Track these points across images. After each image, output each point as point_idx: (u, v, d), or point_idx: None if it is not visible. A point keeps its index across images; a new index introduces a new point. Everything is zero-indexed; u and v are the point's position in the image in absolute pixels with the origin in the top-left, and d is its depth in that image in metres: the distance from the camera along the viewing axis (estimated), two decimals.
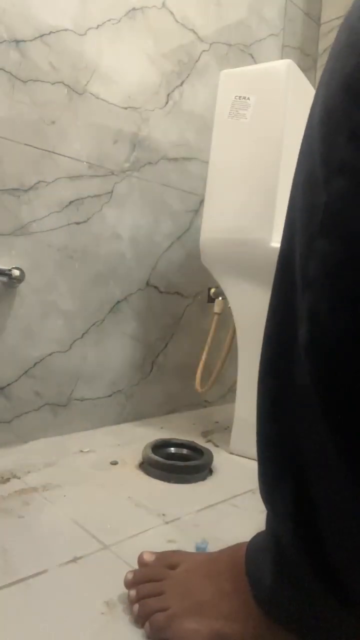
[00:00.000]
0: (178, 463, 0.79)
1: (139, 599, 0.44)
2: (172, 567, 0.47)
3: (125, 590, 0.47)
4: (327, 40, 1.56)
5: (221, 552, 0.47)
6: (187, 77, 1.12)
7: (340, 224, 0.28)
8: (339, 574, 0.33)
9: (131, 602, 0.45)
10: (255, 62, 1.30)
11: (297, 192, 0.34)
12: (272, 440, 0.37)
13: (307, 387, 0.31)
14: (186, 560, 0.47)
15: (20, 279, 0.84)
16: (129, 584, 0.47)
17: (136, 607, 0.44)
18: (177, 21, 1.08)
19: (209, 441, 0.99)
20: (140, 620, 0.43)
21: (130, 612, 0.45)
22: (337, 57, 0.30)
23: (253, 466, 0.92)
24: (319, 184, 0.30)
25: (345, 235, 0.28)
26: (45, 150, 0.87)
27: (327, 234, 0.29)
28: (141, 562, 0.49)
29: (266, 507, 0.39)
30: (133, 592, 0.45)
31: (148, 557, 0.49)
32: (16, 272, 0.83)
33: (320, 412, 0.30)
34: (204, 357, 1.11)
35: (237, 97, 0.88)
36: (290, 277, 0.33)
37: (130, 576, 0.47)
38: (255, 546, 0.42)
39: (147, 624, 0.42)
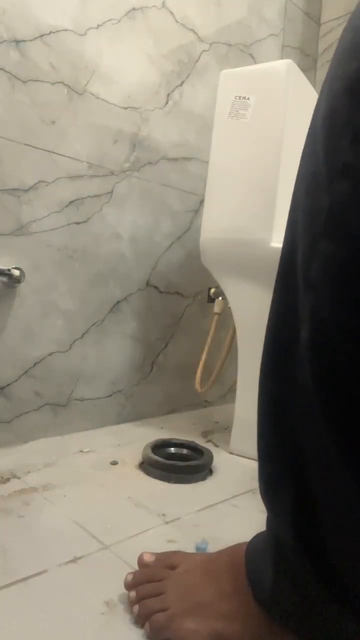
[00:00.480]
0: (178, 463, 0.79)
1: (139, 599, 0.44)
2: (172, 567, 0.47)
3: (126, 590, 0.47)
4: (327, 40, 1.56)
5: (221, 552, 0.47)
6: (187, 77, 1.12)
7: (343, 226, 0.28)
8: (339, 574, 0.33)
9: (131, 603, 0.45)
10: (255, 62, 1.30)
11: (300, 194, 0.34)
12: (273, 441, 0.37)
13: (308, 387, 0.31)
14: (186, 561, 0.47)
15: (20, 279, 0.84)
16: (129, 586, 0.47)
17: (136, 607, 0.44)
18: (177, 21, 1.08)
19: (209, 441, 0.99)
20: (140, 620, 0.43)
21: (131, 612, 0.45)
22: (341, 59, 0.30)
23: (253, 466, 0.92)
24: (322, 186, 0.30)
25: (348, 237, 0.28)
26: (45, 150, 0.87)
27: (330, 236, 0.29)
28: (141, 562, 0.49)
29: (266, 507, 0.39)
30: (133, 594, 0.45)
31: (148, 558, 0.49)
32: (16, 272, 0.83)
33: (321, 412, 0.30)
34: (204, 357, 1.11)
35: (237, 97, 0.88)
36: (292, 278, 0.33)
37: (130, 578, 0.47)
38: (255, 546, 0.42)
39: (147, 624, 0.42)
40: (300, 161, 0.35)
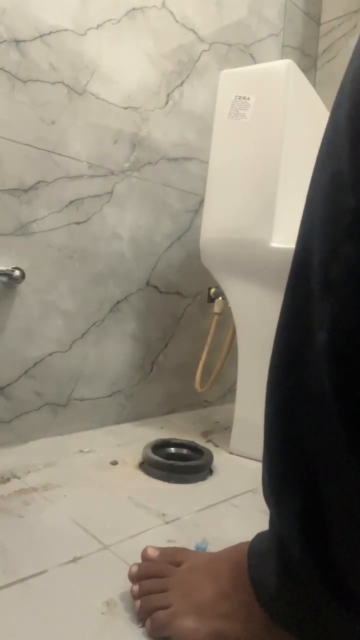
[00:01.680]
0: (178, 463, 0.79)
1: (142, 594, 0.44)
2: (176, 564, 0.47)
3: (125, 591, 0.47)
4: (327, 40, 1.56)
5: (223, 551, 0.47)
6: (187, 77, 1.12)
7: None
8: (344, 577, 0.32)
9: (134, 597, 0.45)
10: (255, 62, 1.30)
11: (317, 195, 0.33)
12: (281, 444, 0.36)
13: (324, 393, 0.30)
14: (190, 559, 0.47)
15: (20, 279, 0.84)
16: (133, 578, 0.47)
17: (138, 602, 0.44)
18: (177, 21, 1.08)
19: (209, 441, 0.99)
20: (141, 616, 0.43)
21: (132, 609, 0.45)
22: None
23: (253, 466, 0.92)
24: (346, 187, 0.29)
25: None
26: (45, 150, 0.87)
27: (355, 238, 0.28)
28: (145, 556, 0.49)
29: (270, 508, 0.39)
30: (136, 587, 0.45)
31: (152, 552, 0.49)
32: (16, 272, 0.83)
33: (338, 419, 0.30)
34: (204, 357, 1.11)
35: (237, 97, 0.88)
36: (305, 282, 0.33)
37: (134, 569, 0.47)
38: (257, 547, 0.42)
39: (148, 621, 0.42)
40: (316, 164, 0.34)
